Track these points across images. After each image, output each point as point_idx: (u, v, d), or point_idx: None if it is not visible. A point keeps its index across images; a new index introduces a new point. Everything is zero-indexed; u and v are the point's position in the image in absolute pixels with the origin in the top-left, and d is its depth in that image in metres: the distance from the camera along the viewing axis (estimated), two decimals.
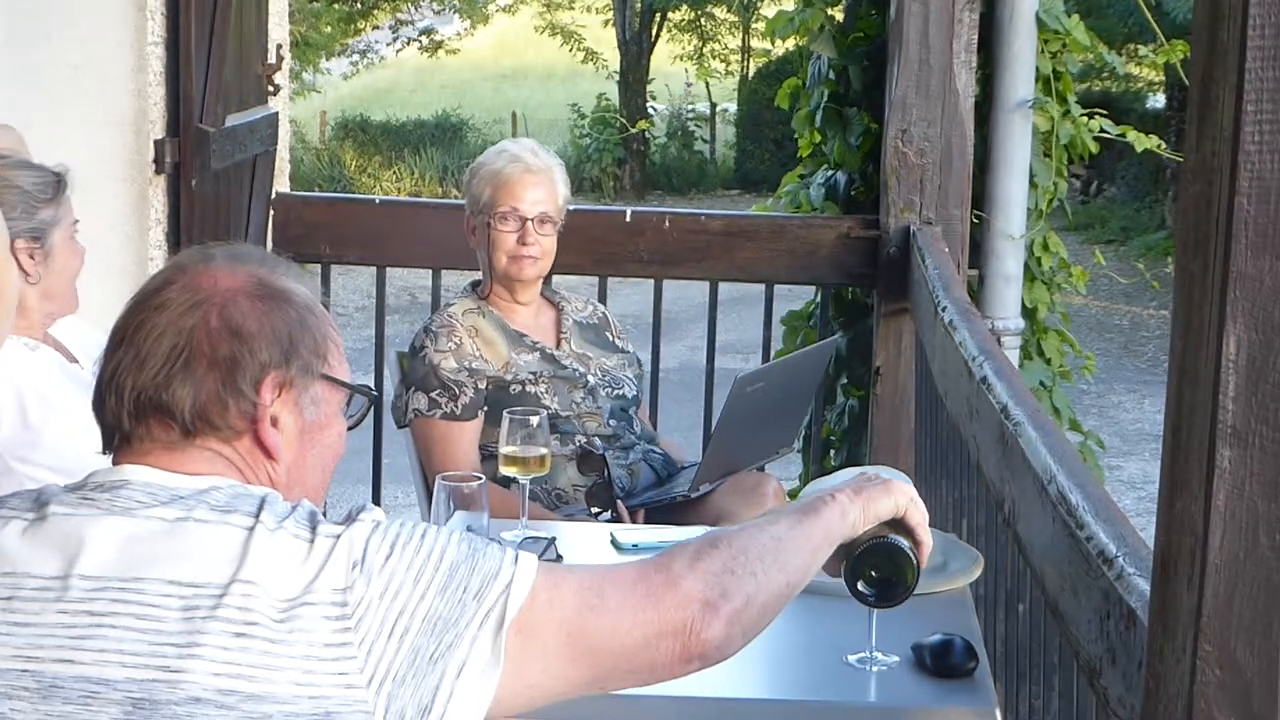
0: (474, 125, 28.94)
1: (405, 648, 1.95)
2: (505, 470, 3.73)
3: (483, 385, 4.47)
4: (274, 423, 2.12)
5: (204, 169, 5.15)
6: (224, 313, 2.10)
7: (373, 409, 5.34)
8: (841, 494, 2.42)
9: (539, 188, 4.58)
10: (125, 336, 2.11)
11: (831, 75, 6.19)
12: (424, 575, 1.99)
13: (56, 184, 3.56)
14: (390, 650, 1.95)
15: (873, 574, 2.50)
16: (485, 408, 4.48)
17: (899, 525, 2.48)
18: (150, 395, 2.07)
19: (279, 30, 6.17)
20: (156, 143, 5.09)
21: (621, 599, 2.10)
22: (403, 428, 4.59)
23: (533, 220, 4.56)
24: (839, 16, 6.22)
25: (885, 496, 2.46)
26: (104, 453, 2.14)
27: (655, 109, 28.85)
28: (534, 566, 2.07)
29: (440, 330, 4.54)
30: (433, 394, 4.47)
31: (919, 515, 2.50)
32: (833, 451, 6.18)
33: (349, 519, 2.02)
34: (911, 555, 2.48)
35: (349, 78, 32.84)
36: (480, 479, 3.36)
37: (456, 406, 4.45)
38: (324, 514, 2.06)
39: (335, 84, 32.67)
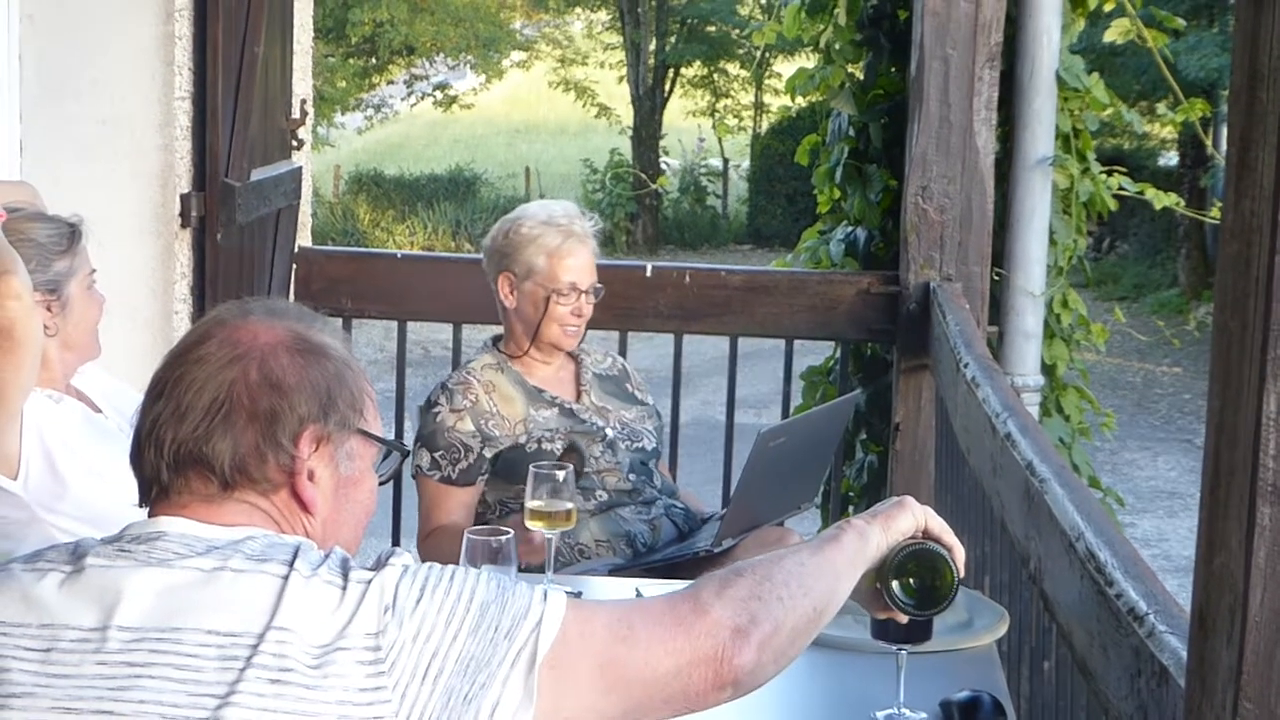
0: (487, 180, 29.04)
1: (439, 689, 1.97)
2: (530, 524, 3.73)
3: (489, 454, 4.48)
4: (310, 477, 2.14)
5: (229, 223, 5.17)
6: (263, 366, 2.12)
7: None
8: (857, 520, 2.47)
9: (588, 254, 4.62)
10: (164, 390, 2.12)
11: (851, 132, 6.22)
12: (455, 616, 2.01)
13: (71, 235, 3.57)
14: (425, 693, 1.96)
15: (910, 582, 2.51)
16: (485, 475, 4.48)
17: (925, 538, 2.50)
18: (190, 448, 2.09)
19: (303, 85, 6.20)
20: (183, 197, 5.12)
21: (652, 629, 2.12)
22: (413, 477, 4.60)
23: (586, 292, 4.59)
24: (859, 74, 6.25)
25: (902, 512, 2.51)
26: (141, 505, 2.15)
27: (668, 164, 28.95)
28: (563, 603, 2.09)
29: (456, 388, 4.54)
30: (435, 454, 4.47)
31: (939, 523, 2.53)
32: (852, 507, 6.18)
33: (379, 564, 2.04)
34: (946, 556, 2.50)
35: (363, 132, 32.98)
36: (508, 533, 3.36)
37: (454, 471, 4.46)
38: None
39: (349, 138, 32.80)
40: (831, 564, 2.34)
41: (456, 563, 2.31)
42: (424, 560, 2.10)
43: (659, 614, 2.14)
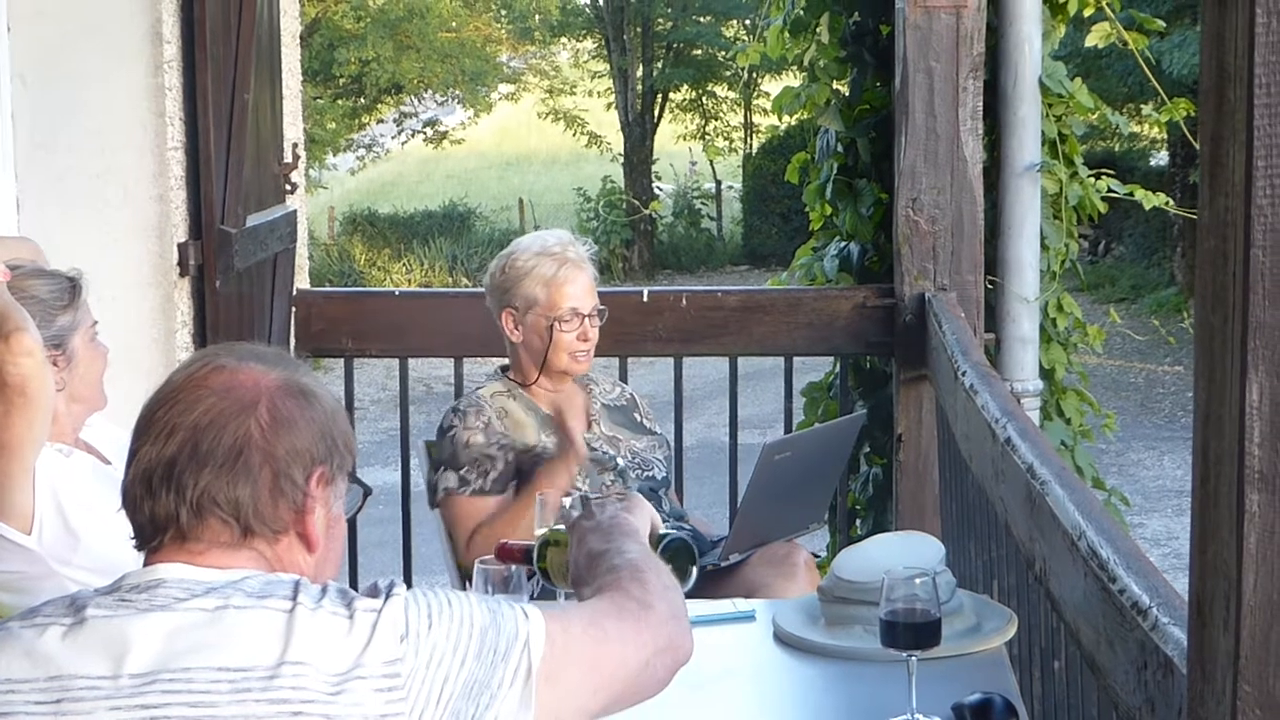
0: (481, 214, 29.08)
1: (448, 712, 2.04)
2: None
3: (511, 458, 4.51)
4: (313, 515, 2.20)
5: (227, 269, 5.20)
6: (273, 410, 2.16)
7: (402, 501, 5.36)
8: (612, 508, 2.74)
9: (586, 278, 4.66)
10: (171, 432, 2.14)
11: (840, 148, 6.24)
12: (461, 642, 2.08)
13: (72, 289, 3.60)
14: (437, 716, 2.03)
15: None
16: (514, 481, 4.51)
17: None
18: (213, 494, 2.12)
19: (293, 129, 6.23)
20: (180, 246, 5.14)
21: (619, 630, 2.27)
22: (434, 508, 4.63)
23: (590, 315, 4.63)
24: (845, 90, 6.27)
25: (639, 505, 2.82)
26: (140, 548, 2.18)
27: (661, 189, 28.97)
28: (541, 616, 2.19)
29: (469, 409, 4.59)
30: (461, 471, 4.51)
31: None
32: (858, 520, 6.20)
33: (381, 594, 2.09)
34: (691, 543, 2.94)
35: (355, 172, 33.02)
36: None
37: (485, 482, 4.49)
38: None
39: (341, 179, 32.84)
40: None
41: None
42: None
43: (616, 615, 2.29)
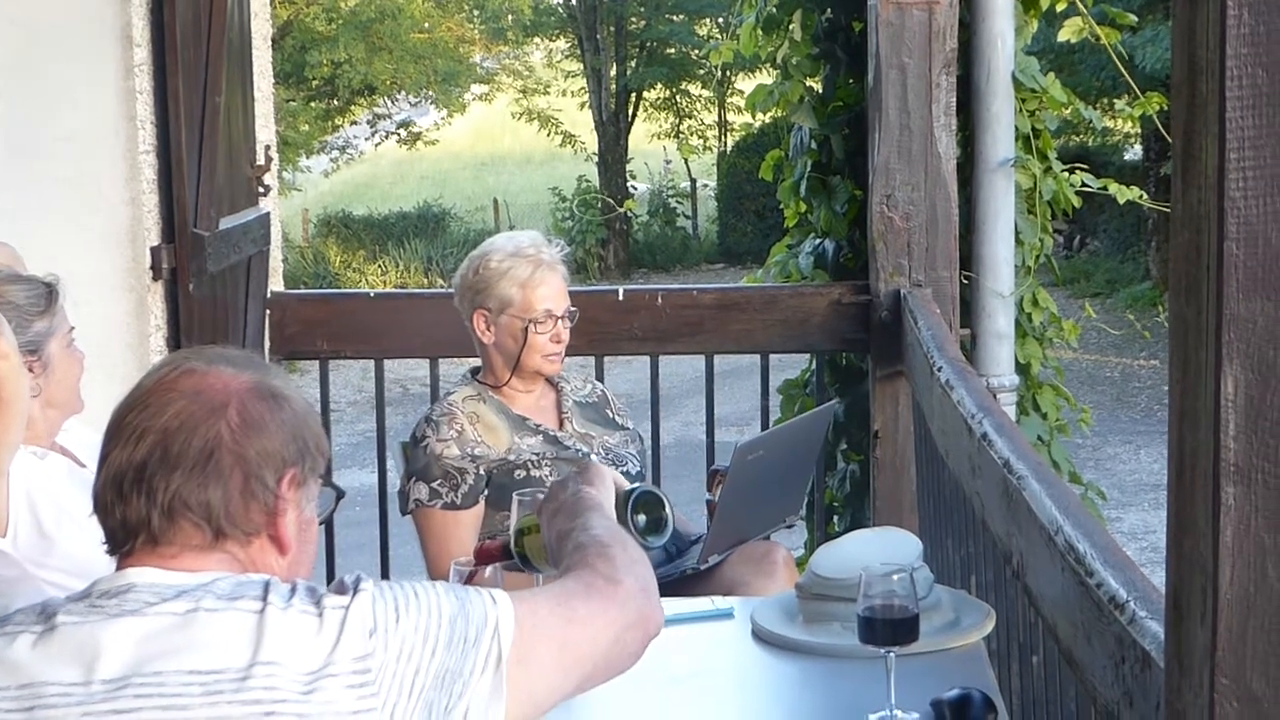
0: (456, 214, 29.05)
1: (420, 704, 2.05)
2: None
3: (483, 471, 4.51)
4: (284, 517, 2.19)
5: (200, 273, 5.19)
6: (243, 412, 2.15)
7: (379, 503, 5.35)
8: (572, 483, 2.77)
9: (559, 280, 4.65)
10: (141, 436, 2.14)
11: (813, 145, 6.24)
12: (430, 633, 2.09)
13: (48, 295, 3.59)
14: (410, 709, 2.04)
15: (641, 519, 2.93)
16: (485, 493, 4.51)
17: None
18: (184, 497, 2.12)
19: (266, 131, 6.22)
20: (153, 250, 5.13)
21: (588, 608, 2.28)
22: (406, 515, 4.63)
23: (562, 317, 4.62)
24: (818, 87, 6.28)
25: (598, 471, 2.86)
26: (113, 553, 2.17)
27: (636, 188, 28.98)
28: (509, 601, 2.20)
29: (441, 419, 4.58)
30: (433, 484, 4.50)
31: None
32: (836, 517, 6.20)
33: (348, 590, 2.09)
34: (660, 493, 2.98)
35: (329, 174, 32.99)
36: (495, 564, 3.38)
37: (457, 496, 4.49)
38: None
39: (315, 181, 32.80)
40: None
41: None
42: None
43: (585, 594, 2.31)
